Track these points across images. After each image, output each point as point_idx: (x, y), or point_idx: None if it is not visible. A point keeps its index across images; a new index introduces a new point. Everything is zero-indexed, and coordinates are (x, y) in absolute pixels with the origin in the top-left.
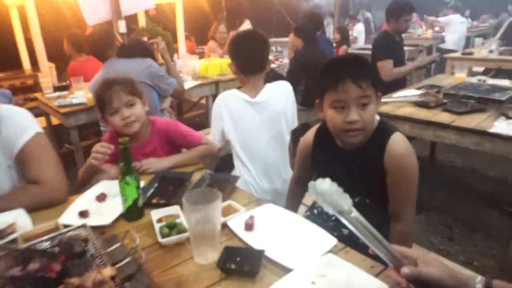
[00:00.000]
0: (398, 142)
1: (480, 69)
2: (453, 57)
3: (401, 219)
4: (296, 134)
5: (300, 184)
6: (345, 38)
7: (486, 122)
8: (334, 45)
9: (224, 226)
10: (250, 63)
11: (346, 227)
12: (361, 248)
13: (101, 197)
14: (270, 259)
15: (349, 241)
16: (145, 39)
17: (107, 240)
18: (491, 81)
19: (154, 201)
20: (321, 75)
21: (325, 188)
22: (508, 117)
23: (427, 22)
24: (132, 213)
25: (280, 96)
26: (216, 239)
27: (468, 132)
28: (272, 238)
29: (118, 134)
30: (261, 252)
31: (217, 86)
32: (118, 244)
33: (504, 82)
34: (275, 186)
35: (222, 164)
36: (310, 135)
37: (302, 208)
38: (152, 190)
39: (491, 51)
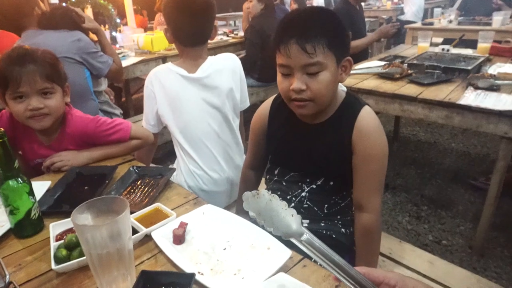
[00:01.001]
0: (368, 118)
1: (439, 39)
2: (414, 27)
3: (365, 208)
4: (251, 114)
5: (255, 169)
6: None
7: (454, 93)
8: None
9: (150, 238)
10: (189, 33)
11: (306, 217)
12: None
13: None
14: (203, 286)
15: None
16: (90, 11)
17: None
18: (455, 51)
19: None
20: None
21: (261, 205)
22: (476, 87)
23: None
24: (24, 228)
25: (225, 71)
26: (127, 263)
27: (436, 105)
28: (209, 254)
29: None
30: (190, 276)
31: (164, 62)
32: None
33: (467, 51)
34: (227, 175)
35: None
36: (265, 107)
37: None
38: (60, 192)
39: (450, 21)
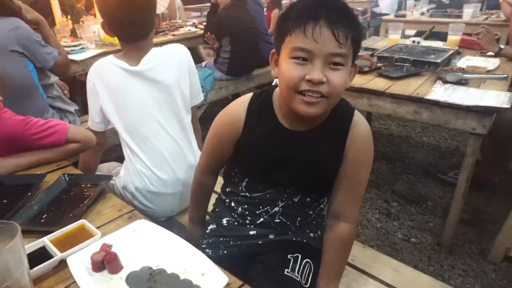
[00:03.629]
0: (362, 123)
1: (412, 32)
2: (387, 19)
3: (344, 217)
4: (213, 109)
5: (211, 174)
6: (277, 1)
7: (423, 87)
8: (265, 8)
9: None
10: (128, 28)
11: (274, 232)
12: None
13: None
14: None
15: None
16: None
17: None
18: (425, 43)
19: None
20: (285, 12)
21: None
22: (445, 81)
23: None
24: None
25: (170, 63)
26: None
27: (404, 99)
28: (133, 284)
29: None
30: None
31: None
32: None
33: (437, 44)
34: (178, 176)
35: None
36: (239, 111)
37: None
38: None
39: (422, 13)
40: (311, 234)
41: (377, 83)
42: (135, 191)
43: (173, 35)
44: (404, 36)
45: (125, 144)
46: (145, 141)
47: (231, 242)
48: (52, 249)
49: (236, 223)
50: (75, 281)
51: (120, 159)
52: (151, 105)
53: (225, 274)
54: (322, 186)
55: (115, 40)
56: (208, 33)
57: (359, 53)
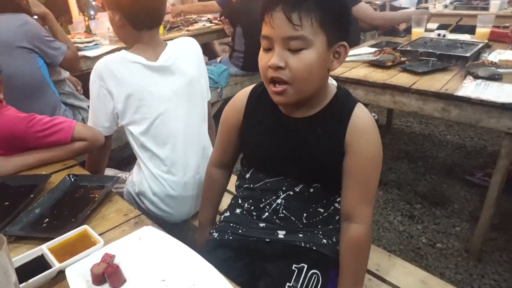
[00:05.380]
0: (364, 116)
1: (434, 25)
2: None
3: (355, 218)
4: (225, 105)
5: (223, 168)
6: None
7: (452, 83)
8: None
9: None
10: (145, 12)
11: (282, 228)
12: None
13: None
14: None
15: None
16: None
17: None
18: (451, 36)
19: None
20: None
21: None
22: (476, 77)
23: None
24: None
25: (189, 57)
26: None
27: (431, 96)
28: None
29: None
30: None
31: None
32: None
33: (465, 37)
34: (199, 177)
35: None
36: (241, 97)
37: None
38: None
39: (445, 6)
40: (324, 240)
41: (401, 78)
42: (153, 196)
43: (188, 30)
44: (426, 30)
45: (141, 147)
46: (166, 141)
47: (239, 231)
48: (51, 258)
49: (248, 216)
50: None
51: (125, 160)
52: (173, 102)
53: None
54: (320, 176)
55: None
56: (223, 17)
57: (382, 47)
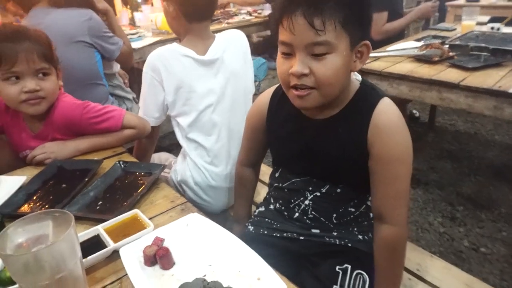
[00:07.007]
0: (388, 112)
1: (485, 18)
2: (457, 5)
3: (387, 219)
4: None
5: (252, 166)
6: None
7: (506, 80)
8: None
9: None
10: (198, 6)
11: (316, 226)
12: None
13: None
14: None
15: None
16: None
17: None
18: (506, 29)
19: (25, 208)
20: (276, 3)
21: None
22: None
23: None
24: None
25: (236, 51)
26: None
27: (483, 93)
28: (182, 281)
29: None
30: None
31: None
32: None
33: None
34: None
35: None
36: (264, 98)
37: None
38: (33, 190)
39: None
40: (359, 236)
41: (449, 74)
42: (195, 185)
43: (228, 23)
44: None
45: (186, 138)
46: (211, 132)
47: (274, 226)
48: (106, 238)
49: (280, 215)
50: (126, 274)
51: (172, 146)
52: (219, 95)
53: (283, 280)
54: (345, 176)
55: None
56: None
57: (428, 41)
